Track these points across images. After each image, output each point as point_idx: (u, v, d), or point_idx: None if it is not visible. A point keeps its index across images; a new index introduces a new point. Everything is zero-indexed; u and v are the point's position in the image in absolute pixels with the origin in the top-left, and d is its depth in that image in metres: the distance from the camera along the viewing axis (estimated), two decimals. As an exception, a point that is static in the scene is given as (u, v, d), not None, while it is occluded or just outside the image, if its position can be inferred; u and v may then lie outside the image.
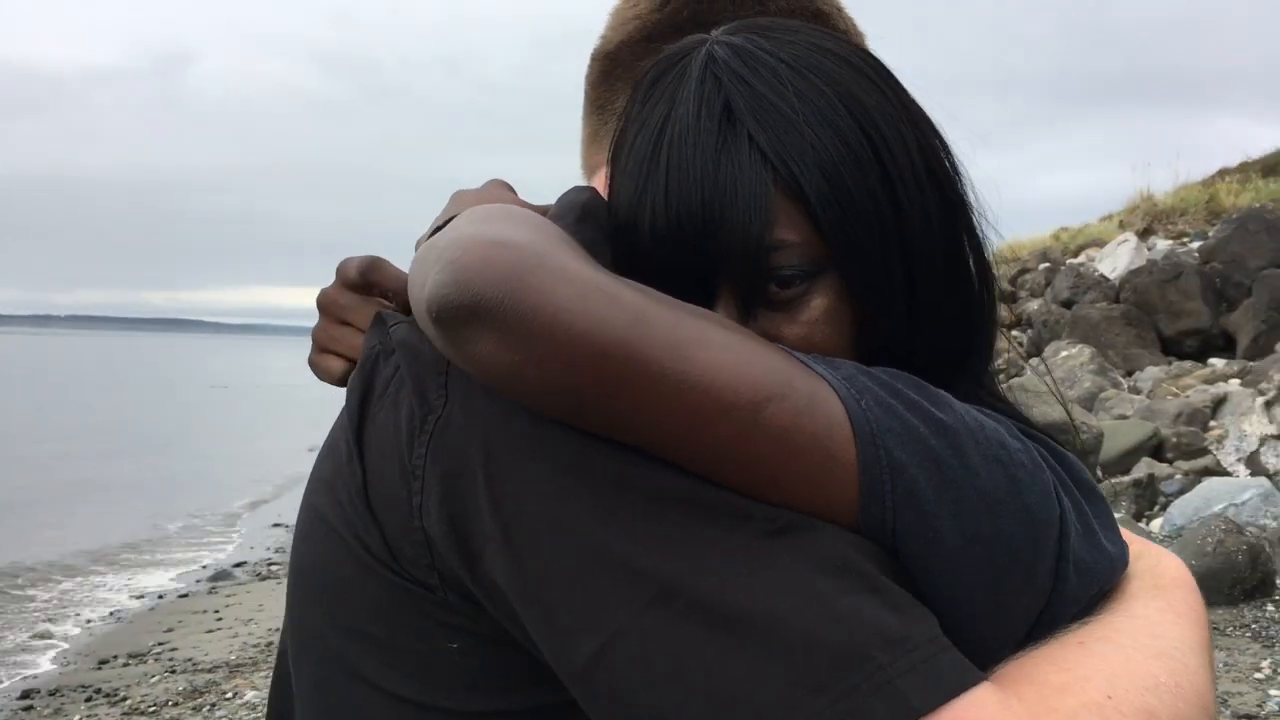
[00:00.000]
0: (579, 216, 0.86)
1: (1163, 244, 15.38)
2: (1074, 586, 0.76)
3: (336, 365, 0.97)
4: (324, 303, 0.99)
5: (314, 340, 1.00)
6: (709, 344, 0.69)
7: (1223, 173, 20.75)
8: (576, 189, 0.97)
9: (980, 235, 0.87)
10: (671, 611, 0.66)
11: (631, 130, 0.85)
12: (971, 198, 0.87)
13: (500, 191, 0.99)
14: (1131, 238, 15.36)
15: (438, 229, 0.90)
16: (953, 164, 0.87)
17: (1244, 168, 21.07)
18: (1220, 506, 7.51)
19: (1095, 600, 0.79)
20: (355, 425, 0.83)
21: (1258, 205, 14.58)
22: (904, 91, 0.86)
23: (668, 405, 0.67)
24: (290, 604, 0.92)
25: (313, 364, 1.00)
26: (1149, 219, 16.68)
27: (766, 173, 0.79)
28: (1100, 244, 16.41)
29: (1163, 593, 0.81)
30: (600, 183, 0.99)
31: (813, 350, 0.78)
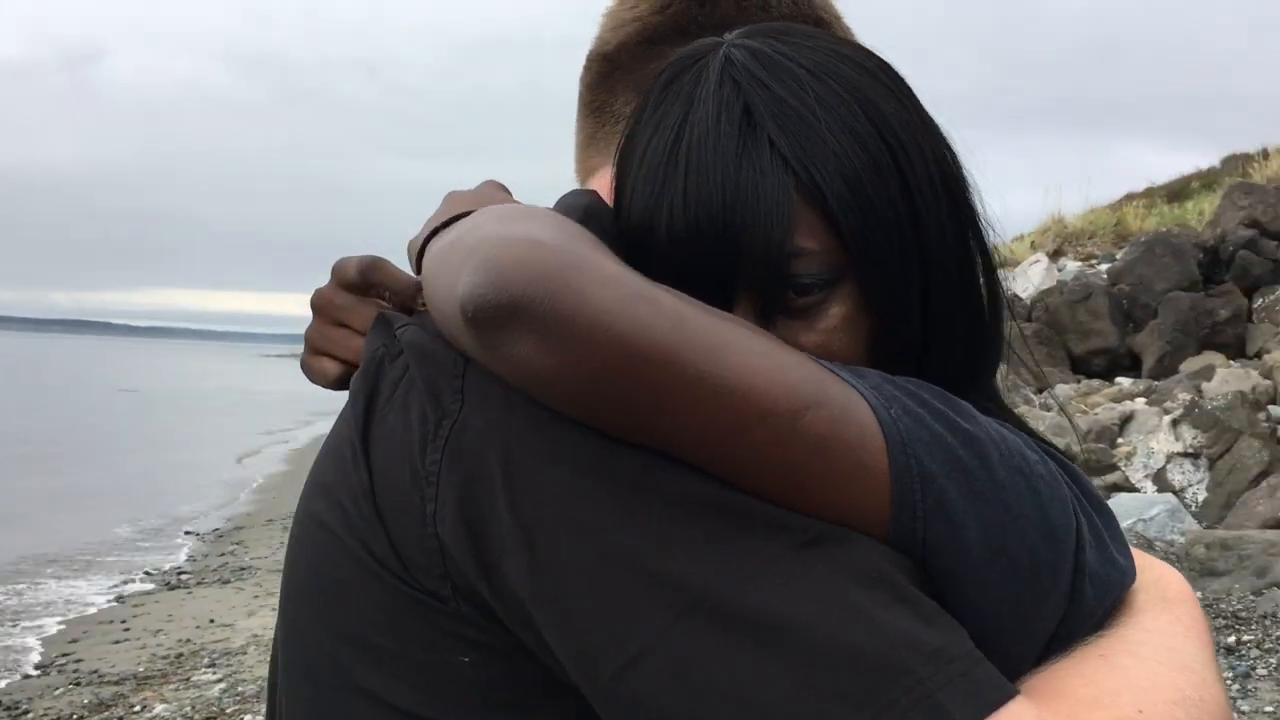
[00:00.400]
0: (582, 219, 0.83)
1: (1073, 265, 15.78)
2: (1090, 600, 0.76)
3: (332, 368, 0.94)
4: (319, 303, 0.95)
5: (307, 342, 0.96)
6: (747, 349, 0.68)
7: (1130, 197, 21.40)
8: (576, 192, 0.95)
9: (989, 245, 0.87)
10: (704, 622, 0.65)
11: (645, 132, 0.83)
12: (980, 207, 0.87)
13: (497, 193, 0.97)
14: (1043, 259, 15.74)
15: (436, 230, 0.88)
16: (963, 173, 0.87)
17: (1149, 193, 21.78)
18: (1130, 522, 7.72)
19: (1106, 612, 0.79)
20: (361, 429, 0.80)
21: (1163, 230, 15.04)
22: (917, 99, 0.86)
23: (706, 410, 0.66)
24: (284, 611, 0.88)
25: (305, 366, 0.97)
26: (1060, 240, 17.10)
27: (789, 178, 0.77)
28: (1013, 264, 16.78)
29: (1170, 606, 0.82)
30: (601, 185, 0.97)
31: (830, 359, 0.76)
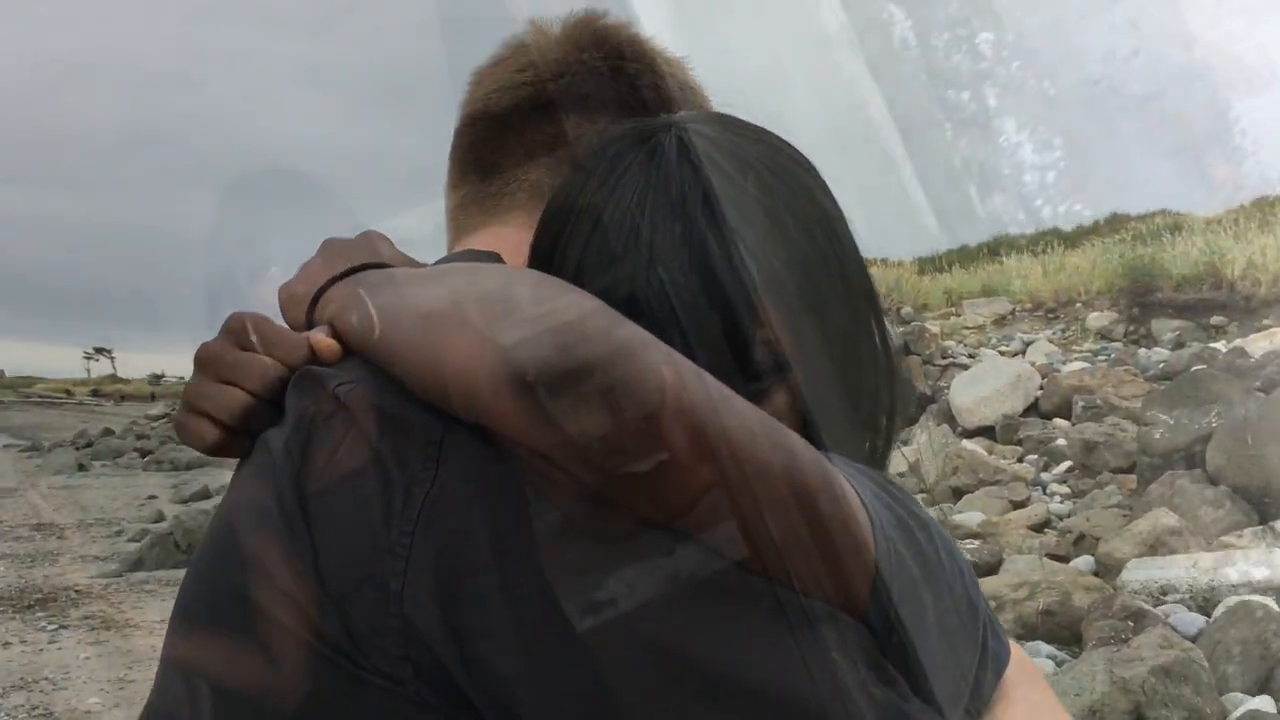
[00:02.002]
0: None
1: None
2: (990, 677, 0.81)
3: (210, 431, 0.84)
4: (205, 359, 0.86)
5: (186, 399, 0.86)
6: (776, 427, 0.68)
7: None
8: (474, 252, 0.91)
9: (891, 345, 0.91)
10: (721, 704, 0.64)
11: (591, 206, 0.82)
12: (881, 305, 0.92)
13: (381, 243, 0.92)
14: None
15: (334, 279, 0.84)
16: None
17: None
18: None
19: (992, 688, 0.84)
20: (296, 496, 0.72)
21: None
22: (836, 200, 0.89)
23: (742, 489, 0.65)
24: (179, 704, 0.78)
25: (181, 425, 0.86)
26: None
27: (753, 269, 0.79)
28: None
29: (1034, 680, 0.89)
30: (489, 245, 0.95)
31: None
